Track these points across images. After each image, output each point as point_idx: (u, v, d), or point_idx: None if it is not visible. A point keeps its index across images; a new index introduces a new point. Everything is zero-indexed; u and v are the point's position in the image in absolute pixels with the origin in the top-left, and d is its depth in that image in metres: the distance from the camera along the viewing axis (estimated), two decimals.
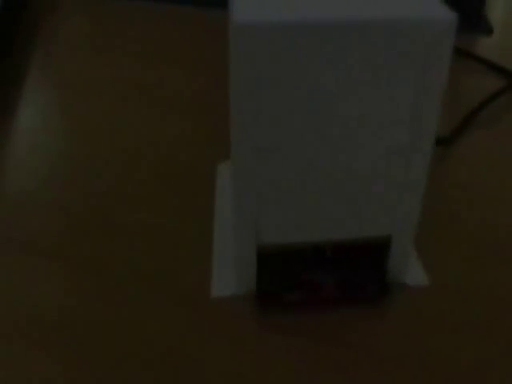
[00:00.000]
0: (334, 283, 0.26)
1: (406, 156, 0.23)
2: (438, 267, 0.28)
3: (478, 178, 0.35)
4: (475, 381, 0.23)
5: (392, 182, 0.24)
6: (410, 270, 0.28)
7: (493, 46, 0.52)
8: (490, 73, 0.47)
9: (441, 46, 0.20)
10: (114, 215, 0.32)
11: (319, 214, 0.24)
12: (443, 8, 0.21)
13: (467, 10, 0.55)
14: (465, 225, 0.31)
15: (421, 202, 0.25)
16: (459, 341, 0.25)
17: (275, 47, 0.20)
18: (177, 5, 0.59)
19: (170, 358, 0.24)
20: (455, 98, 0.43)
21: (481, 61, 0.48)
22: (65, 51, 0.50)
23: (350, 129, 0.22)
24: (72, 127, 0.40)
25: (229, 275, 0.28)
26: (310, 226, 0.25)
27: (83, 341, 0.25)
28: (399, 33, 0.20)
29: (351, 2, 0.21)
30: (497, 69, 0.47)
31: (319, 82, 0.21)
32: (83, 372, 0.23)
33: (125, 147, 0.37)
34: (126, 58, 0.49)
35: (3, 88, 0.45)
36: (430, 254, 0.29)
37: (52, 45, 0.51)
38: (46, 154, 0.37)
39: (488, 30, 0.54)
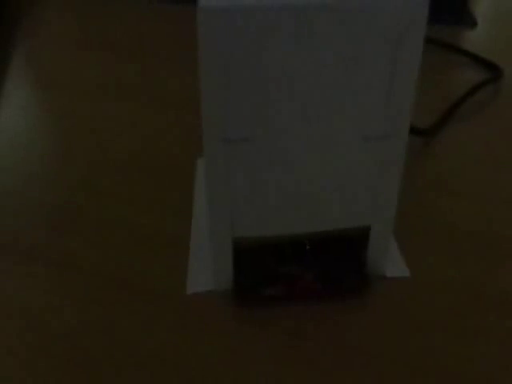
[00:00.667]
0: (312, 276, 0.26)
1: (383, 143, 0.22)
2: (417, 259, 0.28)
3: (460, 169, 0.35)
4: (454, 372, 0.23)
5: (369, 171, 0.23)
6: (390, 261, 0.27)
7: (476, 38, 0.52)
8: (473, 65, 0.47)
9: (414, 29, 0.20)
10: (94, 213, 0.31)
11: (295, 206, 0.24)
12: None
13: (451, 4, 0.55)
14: (445, 217, 0.31)
15: (398, 191, 0.24)
16: (438, 333, 0.24)
17: (240, 30, 0.19)
18: (163, 2, 0.58)
19: (148, 355, 0.23)
20: (438, 89, 0.43)
21: (464, 53, 0.48)
22: (47, 47, 0.50)
23: (324, 115, 0.22)
24: (53, 125, 0.39)
25: (205, 271, 0.27)
26: (286, 218, 0.24)
27: (61, 342, 0.24)
28: (371, 17, 0.19)
29: None
30: (480, 61, 0.47)
31: (289, 67, 0.20)
32: (60, 372, 0.23)
33: (106, 143, 0.37)
34: (109, 54, 0.48)
35: None
36: (409, 246, 0.29)
37: (34, 41, 0.51)
38: (26, 153, 0.36)
39: (472, 24, 0.54)
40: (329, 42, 0.20)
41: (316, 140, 0.22)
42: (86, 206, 0.32)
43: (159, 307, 0.26)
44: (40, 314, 0.25)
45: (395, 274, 0.27)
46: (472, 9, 0.57)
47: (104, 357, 0.23)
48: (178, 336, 0.24)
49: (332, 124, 0.22)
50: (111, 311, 0.25)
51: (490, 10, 0.58)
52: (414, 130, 0.36)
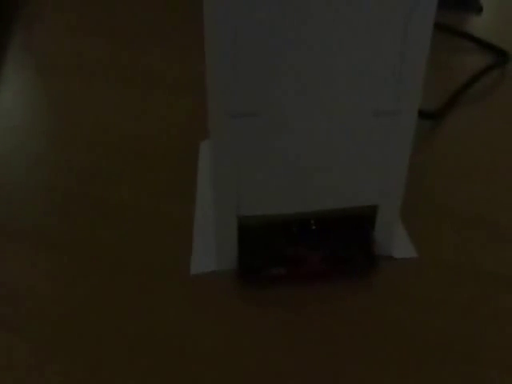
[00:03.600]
0: (319, 257, 0.25)
1: (392, 119, 0.22)
2: (424, 240, 0.28)
3: (466, 153, 0.34)
4: (461, 352, 0.23)
5: (378, 147, 0.23)
6: (397, 242, 0.27)
7: (482, 24, 0.51)
8: (478, 50, 0.46)
9: None
10: (96, 195, 0.31)
11: (302, 183, 0.23)
12: None
13: None
14: (452, 198, 0.30)
15: (407, 169, 0.24)
16: (445, 313, 0.24)
17: None
18: None
19: (152, 336, 0.23)
20: (445, 74, 0.43)
21: (470, 38, 0.47)
22: (46, 32, 0.49)
23: (334, 89, 0.21)
24: (53, 108, 0.38)
25: (209, 252, 0.26)
26: (293, 196, 0.24)
27: (67, 324, 0.24)
28: None
29: None
30: (485, 46, 0.46)
31: (299, 36, 0.20)
32: (65, 356, 0.22)
33: (107, 127, 0.36)
34: (107, 38, 0.48)
35: None
36: (416, 227, 0.28)
37: (32, 26, 0.50)
38: (26, 135, 0.36)
39: (478, 9, 0.53)
40: (341, 10, 0.19)
41: (325, 115, 0.22)
42: (87, 189, 0.31)
43: (162, 288, 0.25)
44: (44, 296, 0.25)
45: (402, 255, 0.26)
46: None
47: (106, 337, 0.23)
48: (181, 317, 0.24)
49: (342, 98, 0.21)
50: (114, 292, 0.25)
51: None
52: (419, 114, 0.35)
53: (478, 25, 0.51)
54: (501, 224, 0.29)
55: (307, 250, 0.25)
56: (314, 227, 0.25)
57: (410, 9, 0.19)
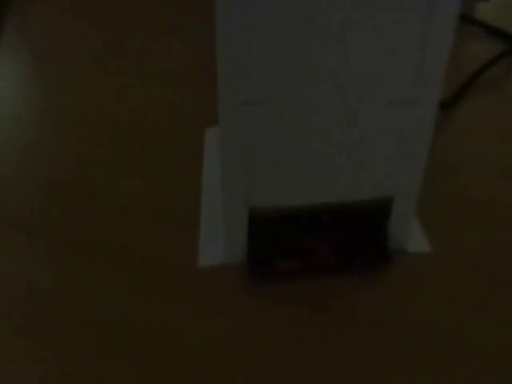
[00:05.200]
0: (330, 250, 0.24)
1: (411, 107, 0.21)
2: (438, 234, 0.27)
3: (478, 142, 0.33)
4: (472, 349, 0.22)
5: (396, 137, 0.22)
6: (412, 236, 0.26)
7: (491, 10, 0.50)
8: (489, 37, 0.45)
9: None
10: (96, 185, 0.30)
11: (314, 175, 0.22)
12: None
13: None
14: (466, 191, 0.30)
15: (425, 160, 0.23)
16: (460, 310, 0.23)
17: None
18: None
19: (160, 330, 0.22)
20: (455, 62, 0.42)
21: (480, 25, 0.46)
22: (40, 16, 0.48)
23: (350, 78, 0.20)
24: (50, 95, 0.37)
25: (217, 244, 0.26)
26: (304, 188, 0.23)
27: (67, 319, 0.23)
28: None
29: None
30: (496, 33, 0.45)
31: (314, 19, 0.19)
32: (65, 355, 0.22)
33: (108, 116, 0.35)
34: (105, 23, 0.46)
35: None
36: (430, 220, 0.27)
37: (27, 10, 0.49)
38: (23, 124, 0.34)
39: None
40: None
41: (340, 103, 0.21)
42: (87, 179, 0.30)
43: (167, 282, 0.24)
44: (43, 289, 0.24)
45: (416, 249, 0.26)
46: None
47: (107, 333, 0.22)
48: (188, 310, 0.23)
49: (358, 86, 0.20)
50: (116, 287, 0.24)
51: None
52: None
53: (486, 11, 0.50)
54: None
55: (318, 243, 0.24)
56: (325, 220, 0.24)
57: None
